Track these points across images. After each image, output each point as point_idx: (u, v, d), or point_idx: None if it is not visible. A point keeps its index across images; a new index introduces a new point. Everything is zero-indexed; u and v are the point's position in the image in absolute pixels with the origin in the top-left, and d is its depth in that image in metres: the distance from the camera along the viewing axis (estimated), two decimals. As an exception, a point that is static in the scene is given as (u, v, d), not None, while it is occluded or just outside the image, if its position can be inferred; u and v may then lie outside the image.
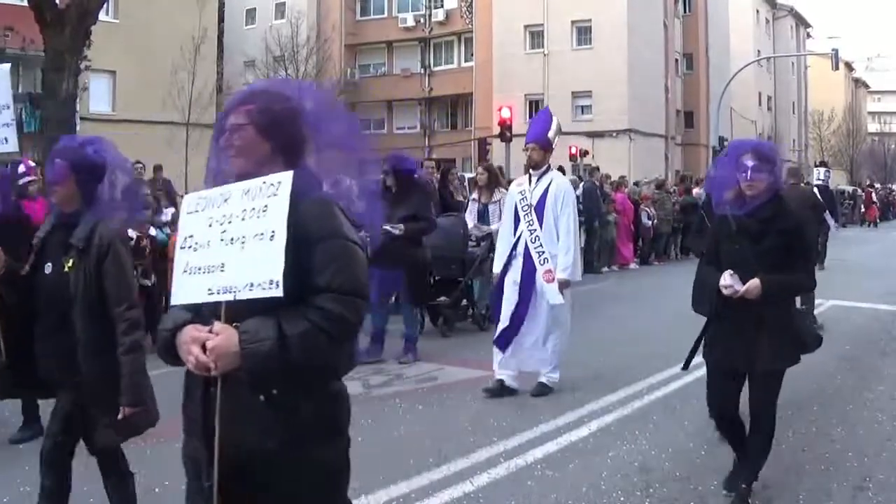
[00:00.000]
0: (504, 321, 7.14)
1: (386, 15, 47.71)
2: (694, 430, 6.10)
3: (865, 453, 5.54)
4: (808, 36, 69.42)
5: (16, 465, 5.48)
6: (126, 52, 27.20)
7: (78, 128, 14.05)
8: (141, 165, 14.18)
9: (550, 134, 7.16)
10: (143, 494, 4.92)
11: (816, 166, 21.05)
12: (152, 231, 10.00)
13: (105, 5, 13.63)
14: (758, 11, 58.15)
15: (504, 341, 7.15)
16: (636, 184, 22.60)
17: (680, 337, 9.41)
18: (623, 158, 35.01)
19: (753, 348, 4.33)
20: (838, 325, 10.50)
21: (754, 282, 4.24)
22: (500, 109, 24.94)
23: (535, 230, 6.98)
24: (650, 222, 19.88)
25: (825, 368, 8.21)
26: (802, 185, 11.68)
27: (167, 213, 10.94)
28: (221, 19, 32.47)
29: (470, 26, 43.88)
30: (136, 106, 28.17)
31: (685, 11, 47.51)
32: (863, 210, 40.59)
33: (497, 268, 7.29)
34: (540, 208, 7.03)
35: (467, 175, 21.66)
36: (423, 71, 46.36)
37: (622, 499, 4.77)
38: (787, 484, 4.99)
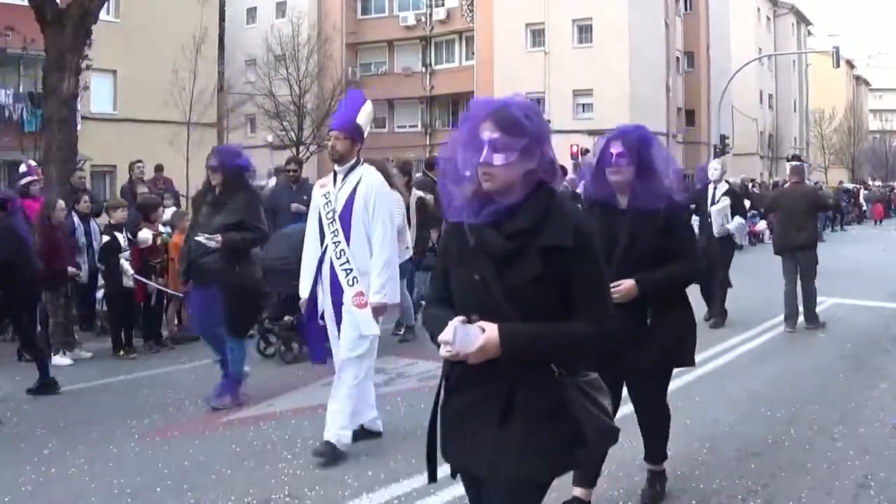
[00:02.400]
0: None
1: (387, 14, 47.75)
2: (696, 429, 6.09)
3: (867, 451, 5.52)
4: (809, 34, 69.40)
5: (18, 465, 5.49)
6: (127, 51, 27.21)
7: (79, 127, 14.05)
8: (142, 165, 14.21)
9: (360, 120, 5.72)
10: (146, 492, 4.94)
11: (789, 160, 20.87)
12: (162, 229, 10.08)
13: (106, 4, 13.61)
14: (759, 9, 58.11)
15: None
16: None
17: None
18: (624, 157, 34.90)
19: (496, 442, 2.58)
20: (840, 323, 10.51)
21: (489, 332, 2.46)
22: (501, 108, 24.82)
23: (341, 242, 5.49)
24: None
25: (827, 367, 8.22)
26: (806, 182, 11.66)
27: (168, 212, 11.00)
28: (222, 18, 32.47)
29: (471, 25, 43.89)
30: (137, 105, 28.20)
31: (686, 9, 47.45)
32: (863, 208, 40.46)
33: (302, 292, 5.74)
34: (346, 215, 5.52)
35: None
36: (424, 70, 46.39)
37: (624, 497, 4.77)
38: (788, 482, 4.98)
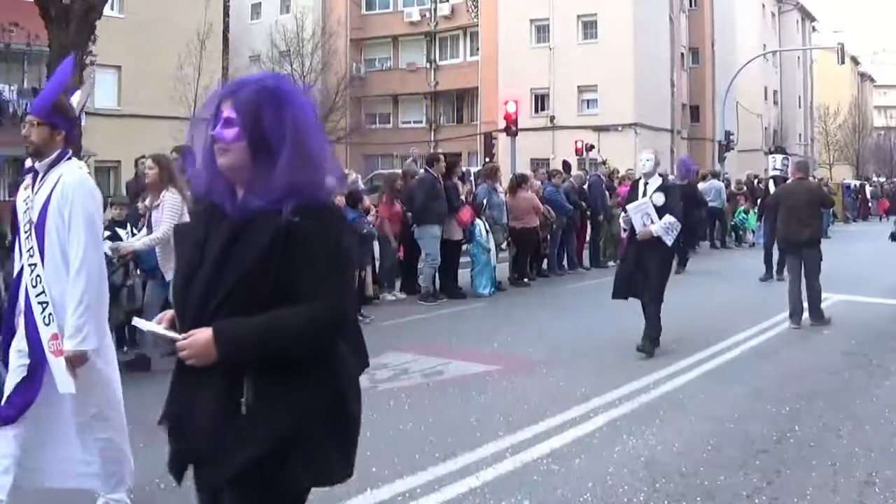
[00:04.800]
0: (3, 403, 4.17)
1: (391, 9, 47.78)
2: (700, 425, 6.08)
3: (872, 449, 5.51)
4: (814, 30, 69.21)
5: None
6: (131, 47, 27.25)
7: (83, 122, 14.05)
8: (146, 160, 14.20)
9: (75, 101, 4.52)
10: (149, 488, 4.93)
11: (771, 153, 20.38)
12: None
13: (110, 0, 13.62)
14: (763, 5, 57.97)
15: None
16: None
17: (685, 331, 9.42)
18: (629, 152, 34.91)
19: None
20: (845, 320, 10.46)
21: None
22: (505, 104, 24.87)
23: (36, 265, 4.08)
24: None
25: (832, 364, 8.19)
26: (811, 178, 11.61)
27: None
28: (227, 14, 32.52)
29: (475, 21, 43.91)
30: (141, 101, 28.24)
31: (691, 6, 47.44)
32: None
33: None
34: (41, 227, 4.12)
35: (472, 169, 21.69)
36: (428, 65, 46.42)
37: (628, 494, 4.75)
38: (793, 479, 4.97)
